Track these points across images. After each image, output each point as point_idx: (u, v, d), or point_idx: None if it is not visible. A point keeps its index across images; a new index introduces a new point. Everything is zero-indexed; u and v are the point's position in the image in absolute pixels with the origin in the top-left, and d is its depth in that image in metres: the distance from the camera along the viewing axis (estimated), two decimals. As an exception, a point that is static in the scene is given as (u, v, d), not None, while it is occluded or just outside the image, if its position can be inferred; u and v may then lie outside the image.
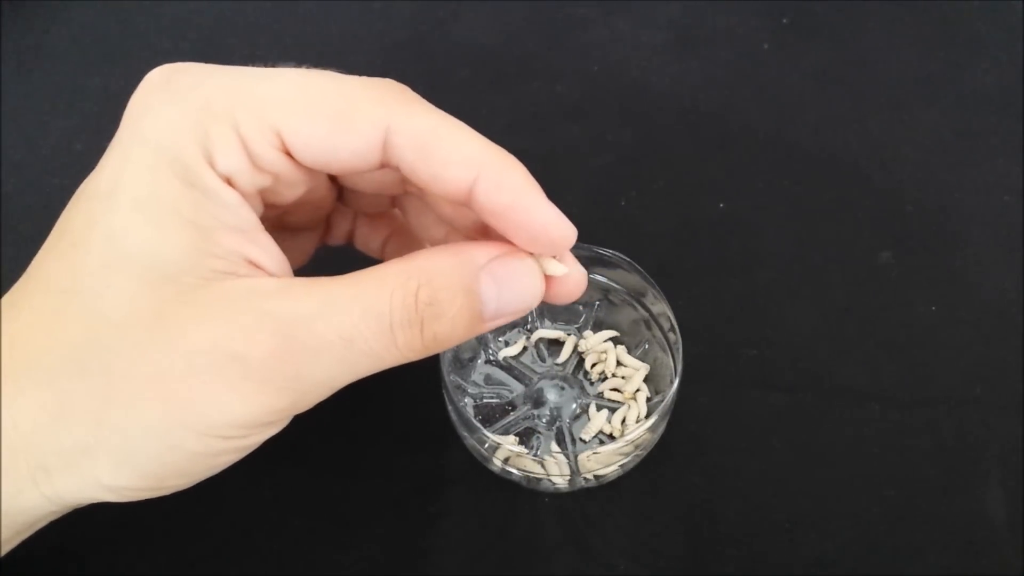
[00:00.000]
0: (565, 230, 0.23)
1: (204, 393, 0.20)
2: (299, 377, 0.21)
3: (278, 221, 0.26)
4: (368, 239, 0.30)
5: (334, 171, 0.23)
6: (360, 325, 0.21)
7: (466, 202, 0.23)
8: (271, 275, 0.22)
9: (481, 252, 0.23)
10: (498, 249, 0.23)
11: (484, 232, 0.26)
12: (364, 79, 0.23)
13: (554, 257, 0.24)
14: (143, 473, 0.21)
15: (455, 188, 0.22)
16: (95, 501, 0.22)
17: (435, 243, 0.28)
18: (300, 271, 0.28)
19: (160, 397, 0.20)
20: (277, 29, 0.45)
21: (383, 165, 0.23)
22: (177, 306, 0.20)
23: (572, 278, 0.24)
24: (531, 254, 0.23)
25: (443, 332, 0.22)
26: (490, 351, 0.34)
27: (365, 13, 0.45)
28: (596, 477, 0.30)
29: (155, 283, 0.20)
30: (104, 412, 0.20)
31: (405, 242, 0.30)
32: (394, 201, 0.28)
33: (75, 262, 0.21)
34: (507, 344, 0.34)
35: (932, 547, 0.30)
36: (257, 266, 0.22)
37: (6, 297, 0.22)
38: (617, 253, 0.33)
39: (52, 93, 0.42)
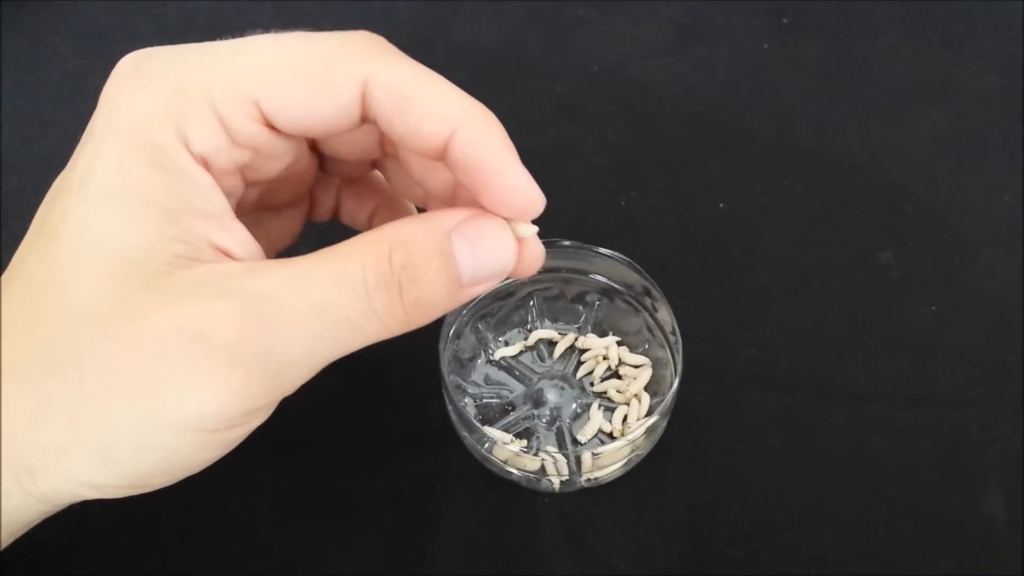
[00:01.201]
0: (533, 196, 0.22)
1: (170, 380, 0.19)
2: (270, 354, 0.20)
3: (262, 200, 0.26)
4: (354, 212, 0.30)
5: (316, 134, 0.23)
6: (332, 292, 0.20)
7: (441, 157, 0.22)
8: (240, 261, 0.21)
9: (451, 216, 0.22)
10: (468, 212, 0.23)
11: (460, 194, 0.25)
12: (337, 34, 0.22)
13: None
14: (122, 472, 0.20)
15: (432, 143, 0.22)
16: (81, 499, 0.22)
17: (416, 202, 0.28)
18: (289, 253, 0.28)
19: (128, 390, 0.19)
20: (277, 29, 0.45)
21: (363, 120, 0.22)
22: (142, 294, 0.20)
23: (530, 250, 0.24)
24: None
25: (424, 296, 0.21)
26: (490, 351, 0.34)
27: (365, 13, 0.45)
28: (596, 477, 0.30)
29: (120, 272, 0.20)
30: (78, 409, 0.20)
31: (392, 213, 0.29)
32: (375, 164, 0.28)
33: (48, 256, 0.21)
34: (507, 344, 0.34)
35: (932, 547, 0.30)
36: (225, 253, 0.21)
37: None
38: (617, 253, 0.33)
39: (52, 93, 0.42)
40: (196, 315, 0.19)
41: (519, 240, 0.23)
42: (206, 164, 0.21)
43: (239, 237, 0.22)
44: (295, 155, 0.24)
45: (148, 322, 0.19)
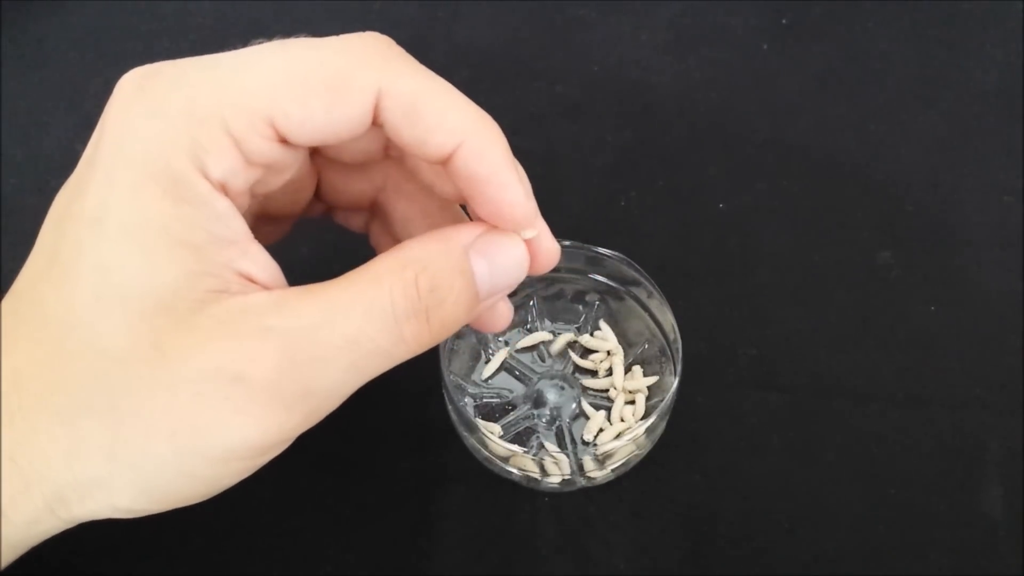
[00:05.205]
0: (528, 212, 0.23)
1: (212, 419, 0.20)
2: (308, 390, 0.20)
3: (261, 210, 0.26)
4: (349, 216, 0.29)
5: (330, 143, 0.23)
6: (364, 325, 0.21)
7: (443, 164, 0.22)
8: (264, 286, 0.22)
9: (465, 232, 0.23)
10: (479, 228, 0.23)
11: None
12: (346, 39, 0.22)
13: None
14: (158, 498, 0.21)
15: (437, 153, 0.22)
16: (109, 517, 0.22)
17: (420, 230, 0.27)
18: (289, 251, 0.27)
19: (169, 429, 0.20)
20: (277, 29, 0.45)
21: (374, 123, 0.22)
22: (175, 335, 0.20)
23: (544, 249, 0.24)
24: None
25: (448, 317, 0.22)
26: (490, 351, 0.34)
27: (365, 13, 0.45)
28: (596, 477, 0.30)
29: (149, 313, 0.20)
30: (116, 448, 0.20)
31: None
32: (373, 208, 0.28)
33: (68, 293, 0.20)
34: (507, 344, 0.34)
35: (932, 547, 0.30)
36: (250, 279, 0.21)
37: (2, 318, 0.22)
38: (617, 253, 0.33)
39: (52, 93, 0.42)
40: (234, 356, 0.20)
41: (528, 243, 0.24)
42: (224, 189, 0.21)
43: (259, 260, 0.22)
44: (300, 164, 0.24)
45: (185, 364, 0.20)
